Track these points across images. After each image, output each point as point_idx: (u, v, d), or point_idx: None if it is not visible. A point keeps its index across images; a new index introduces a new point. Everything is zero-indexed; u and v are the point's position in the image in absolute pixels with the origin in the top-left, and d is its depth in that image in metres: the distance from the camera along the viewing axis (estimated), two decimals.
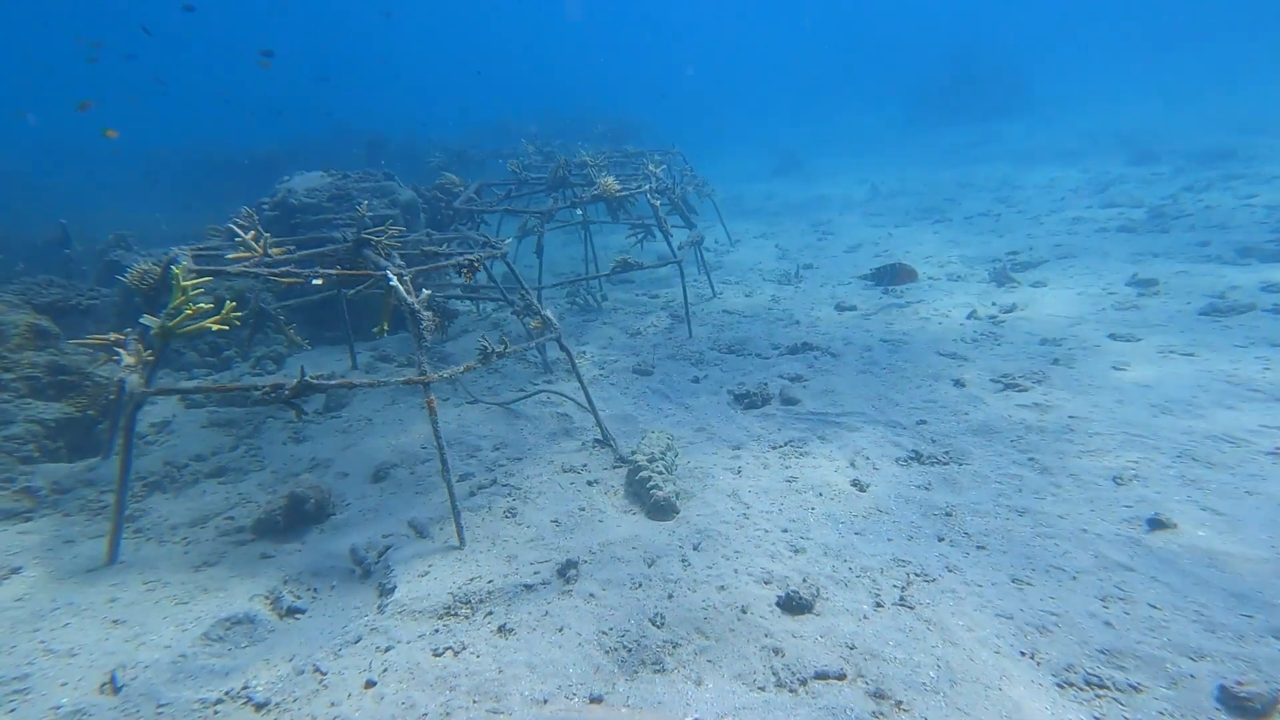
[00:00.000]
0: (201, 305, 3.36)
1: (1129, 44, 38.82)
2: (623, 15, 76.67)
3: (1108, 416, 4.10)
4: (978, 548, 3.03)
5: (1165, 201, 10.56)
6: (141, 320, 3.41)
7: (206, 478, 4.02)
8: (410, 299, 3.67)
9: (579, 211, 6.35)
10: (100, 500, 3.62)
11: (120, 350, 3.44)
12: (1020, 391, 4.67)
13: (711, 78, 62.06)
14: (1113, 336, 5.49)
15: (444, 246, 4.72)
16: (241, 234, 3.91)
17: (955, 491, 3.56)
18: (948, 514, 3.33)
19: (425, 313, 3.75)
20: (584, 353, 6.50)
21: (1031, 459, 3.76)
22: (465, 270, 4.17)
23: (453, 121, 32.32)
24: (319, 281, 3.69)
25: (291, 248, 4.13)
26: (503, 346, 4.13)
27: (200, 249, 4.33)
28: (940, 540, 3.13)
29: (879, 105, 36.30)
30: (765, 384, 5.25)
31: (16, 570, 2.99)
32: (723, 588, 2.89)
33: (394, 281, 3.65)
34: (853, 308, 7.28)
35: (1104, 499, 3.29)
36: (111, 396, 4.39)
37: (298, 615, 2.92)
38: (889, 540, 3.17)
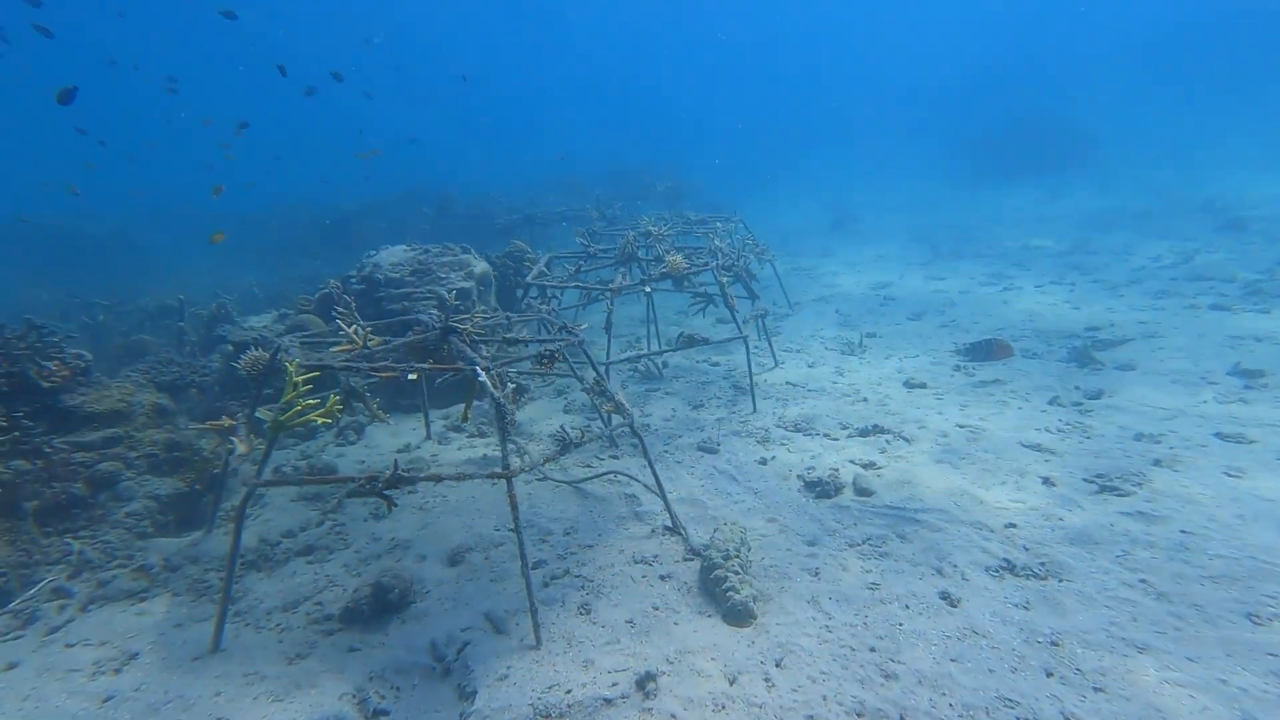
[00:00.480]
0: (311, 403, 3.58)
1: (1207, 96, 37.51)
2: (671, 63, 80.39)
3: (1228, 535, 3.78)
4: (1095, 690, 2.80)
5: (1262, 277, 9.93)
6: (256, 414, 3.66)
7: (296, 556, 4.20)
8: (497, 394, 3.82)
9: (647, 289, 6.48)
10: (205, 579, 3.82)
11: (234, 440, 3.70)
12: (1120, 496, 4.38)
13: (761, 124, 63.68)
14: (1220, 436, 5.10)
15: (522, 331, 4.91)
16: (345, 326, 4.20)
17: (1059, 614, 3.32)
18: (1054, 643, 3.11)
19: (510, 406, 3.89)
20: (648, 425, 6.54)
21: (1143, 580, 3.49)
22: (545, 361, 4.32)
23: (515, 174, 34.11)
24: (414, 377, 3.89)
25: (387, 338, 4.37)
26: (579, 435, 4.22)
27: (304, 337, 4.64)
28: (1049, 676, 2.91)
29: (936, 159, 36.10)
30: (836, 470, 5.13)
31: (134, 656, 3.17)
32: (811, 718, 2.77)
33: (483, 378, 3.82)
34: (923, 385, 7.08)
35: (1241, 642, 2.99)
36: (216, 470, 4.69)
37: (382, 718, 2.96)
38: (990, 672, 2.97)
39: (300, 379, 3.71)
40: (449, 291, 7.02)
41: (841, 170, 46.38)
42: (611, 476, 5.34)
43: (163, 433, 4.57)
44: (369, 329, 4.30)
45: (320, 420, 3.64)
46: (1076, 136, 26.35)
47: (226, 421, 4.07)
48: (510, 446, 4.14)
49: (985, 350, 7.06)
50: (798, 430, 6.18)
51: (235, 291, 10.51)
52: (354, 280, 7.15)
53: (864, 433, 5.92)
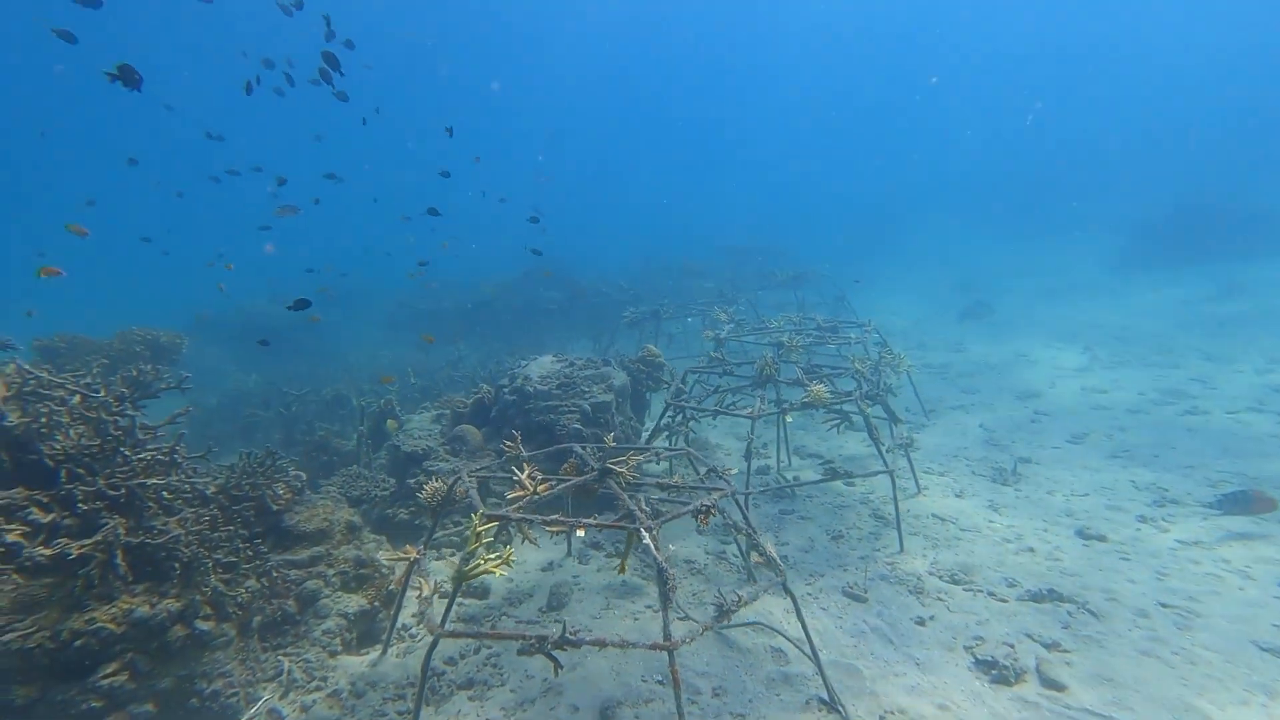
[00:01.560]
0: (491, 558, 3.84)
1: None
2: (772, 132, 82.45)
3: None
4: None
5: None
6: (431, 568, 3.98)
7: (459, 689, 4.40)
8: (659, 558, 3.88)
9: (789, 419, 6.41)
10: (384, 712, 4.10)
11: (421, 581, 4.04)
12: None
13: (875, 189, 62.79)
14: None
15: (677, 477, 5.00)
16: (518, 472, 4.53)
17: None
18: None
19: (670, 570, 3.93)
20: (785, 557, 6.30)
21: None
22: (702, 516, 4.35)
23: (628, 252, 35.84)
24: (581, 532, 4.09)
25: (553, 481, 4.63)
26: (738, 600, 4.15)
27: (477, 470, 5.03)
28: None
29: (1087, 237, 33.43)
30: (1011, 646, 4.61)
31: None
32: None
33: (647, 540, 3.91)
34: (1102, 538, 6.27)
35: None
36: (393, 588, 5.10)
37: None
38: None
39: (482, 528, 4.01)
40: (590, 405, 7.38)
41: (967, 242, 44.20)
42: (757, 625, 5.15)
43: (353, 549, 5.08)
44: (541, 476, 4.59)
45: (499, 572, 3.89)
46: (1262, 218, 23.25)
47: (411, 552, 4.47)
48: (673, 614, 4.16)
49: (1242, 502, 6.11)
50: (955, 582, 5.67)
51: (394, 374, 11.76)
52: (506, 390, 7.74)
53: (1037, 597, 5.30)
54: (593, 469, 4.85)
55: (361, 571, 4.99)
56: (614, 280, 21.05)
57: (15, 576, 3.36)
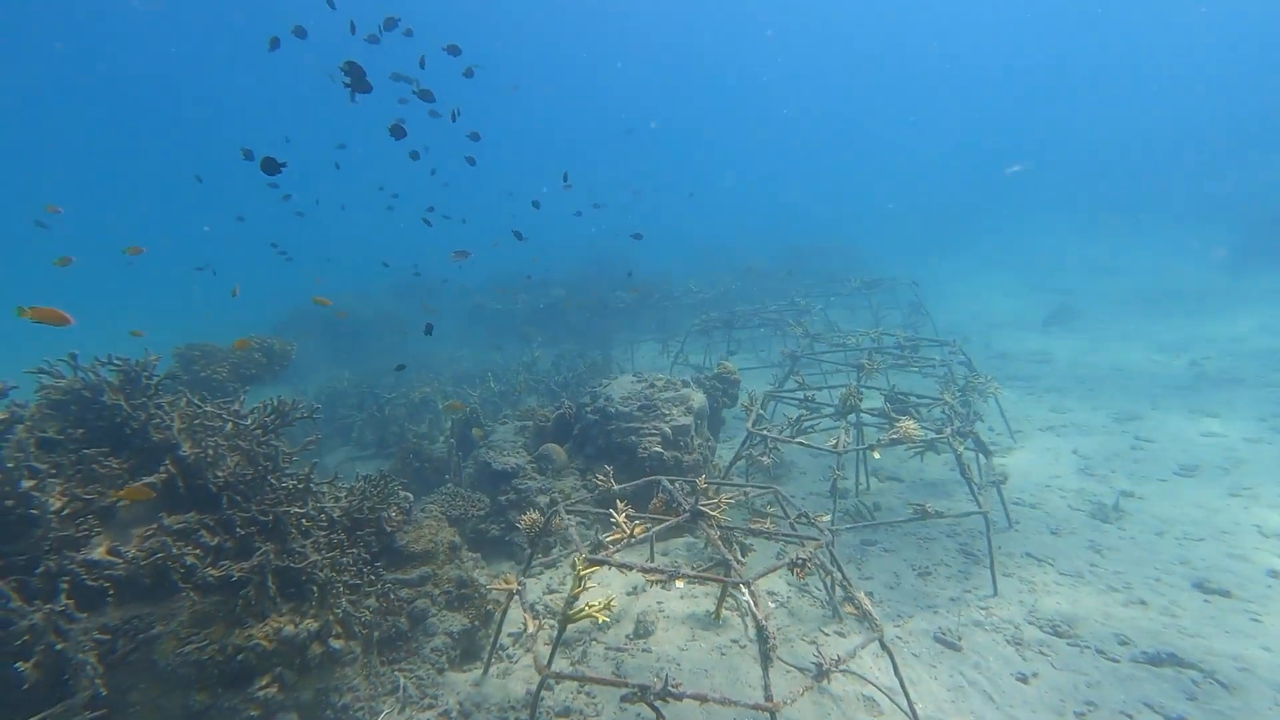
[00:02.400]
0: (594, 604, 4.00)
1: None
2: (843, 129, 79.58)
3: None
4: None
5: None
6: (529, 611, 4.17)
7: (556, 717, 4.61)
8: (759, 615, 3.92)
9: (876, 455, 6.28)
10: None
11: (526, 618, 4.25)
12: None
13: (945, 183, 59.69)
14: None
15: (769, 521, 5.02)
16: (615, 513, 4.67)
17: None
18: None
19: (772, 629, 3.96)
20: (871, 594, 6.21)
21: None
22: (798, 570, 4.36)
23: (690, 248, 35.62)
24: (680, 583, 4.19)
25: (648, 523, 4.73)
26: (837, 660, 4.14)
27: (572, 504, 5.21)
28: None
29: (1185, 231, 30.74)
30: (1129, 717, 4.39)
31: None
32: None
33: (746, 597, 3.96)
34: (1225, 593, 5.84)
35: None
36: (489, 608, 5.39)
37: None
38: None
39: (585, 572, 4.16)
40: (670, 428, 7.47)
41: (1046, 236, 41.46)
42: (849, 673, 5.13)
43: (455, 568, 5.40)
44: (634, 514, 4.72)
45: (601, 618, 4.04)
46: None
47: (512, 582, 4.71)
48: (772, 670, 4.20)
49: None
50: (1057, 634, 5.43)
51: (472, 374, 12.28)
52: (588, 409, 7.94)
53: (1154, 660, 5.02)
54: (684, 509, 4.93)
55: (463, 591, 5.29)
56: (682, 282, 21.04)
57: (192, 594, 3.78)
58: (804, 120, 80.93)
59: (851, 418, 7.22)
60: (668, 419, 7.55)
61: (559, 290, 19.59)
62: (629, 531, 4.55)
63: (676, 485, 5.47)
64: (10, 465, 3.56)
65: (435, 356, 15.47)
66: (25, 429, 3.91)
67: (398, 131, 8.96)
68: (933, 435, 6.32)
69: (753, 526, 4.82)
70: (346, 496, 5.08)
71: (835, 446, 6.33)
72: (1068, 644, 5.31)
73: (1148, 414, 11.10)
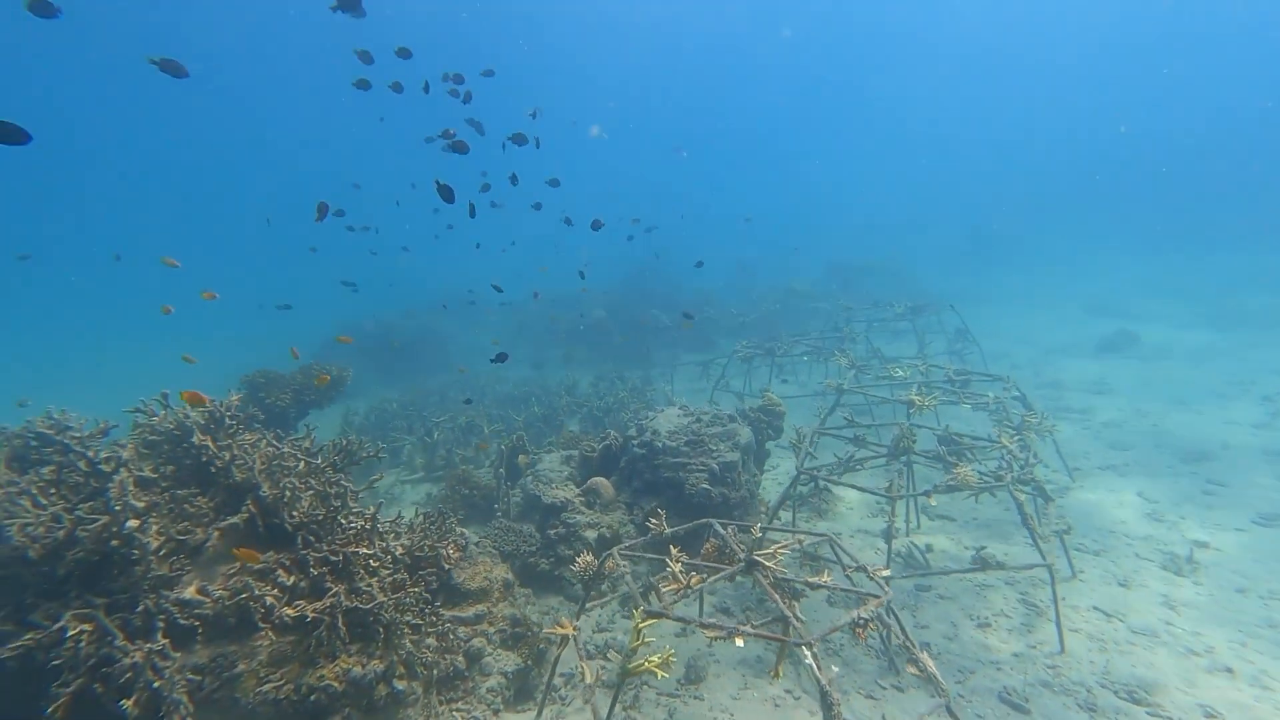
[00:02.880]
0: (652, 659, 4.01)
1: None
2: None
3: None
4: None
5: None
6: (586, 657, 4.20)
7: None
8: (822, 679, 3.87)
9: (932, 502, 6.13)
10: None
11: (584, 667, 4.29)
12: None
13: (990, 195, 58.11)
14: None
15: (826, 574, 4.96)
16: (672, 564, 4.69)
17: None
18: None
19: (835, 695, 3.91)
20: (928, 645, 6.04)
21: None
22: (860, 630, 4.29)
23: (729, 262, 35.51)
24: (740, 642, 4.16)
25: (704, 573, 4.73)
26: None
27: (625, 548, 5.25)
28: None
29: (1262, 252, 29.22)
30: None
31: None
32: None
33: (809, 660, 3.92)
34: None
35: None
36: (542, 647, 5.44)
37: None
38: None
39: (643, 625, 4.18)
40: (718, 465, 7.45)
41: (1097, 253, 39.93)
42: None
43: (508, 606, 5.49)
44: (687, 561, 4.72)
45: (661, 674, 4.05)
46: None
47: (568, 628, 4.75)
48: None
49: None
50: (1135, 701, 5.18)
51: (516, 394, 12.50)
52: (635, 443, 7.99)
53: None
54: (739, 558, 4.91)
55: (517, 629, 5.37)
56: (723, 303, 21.04)
57: (270, 633, 3.95)
58: (848, 132, 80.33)
59: (903, 458, 7.08)
60: (715, 455, 7.53)
61: (600, 311, 19.80)
62: (685, 583, 4.56)
63: (729, 530, 5.45)
64: (118, 508, 3.80)
65: (478, 375, 15.80)
66: (126, 470, 4.17)
67: (446, 193, 9.44)
68: (992, 482, 6.14)
69: (809, 581, 4.76)
70: (408, 534, 5.24)
71: (889, 491, 6.21)
72: (1148, 713, 5.06)
73: (1218, 454, 10.53)
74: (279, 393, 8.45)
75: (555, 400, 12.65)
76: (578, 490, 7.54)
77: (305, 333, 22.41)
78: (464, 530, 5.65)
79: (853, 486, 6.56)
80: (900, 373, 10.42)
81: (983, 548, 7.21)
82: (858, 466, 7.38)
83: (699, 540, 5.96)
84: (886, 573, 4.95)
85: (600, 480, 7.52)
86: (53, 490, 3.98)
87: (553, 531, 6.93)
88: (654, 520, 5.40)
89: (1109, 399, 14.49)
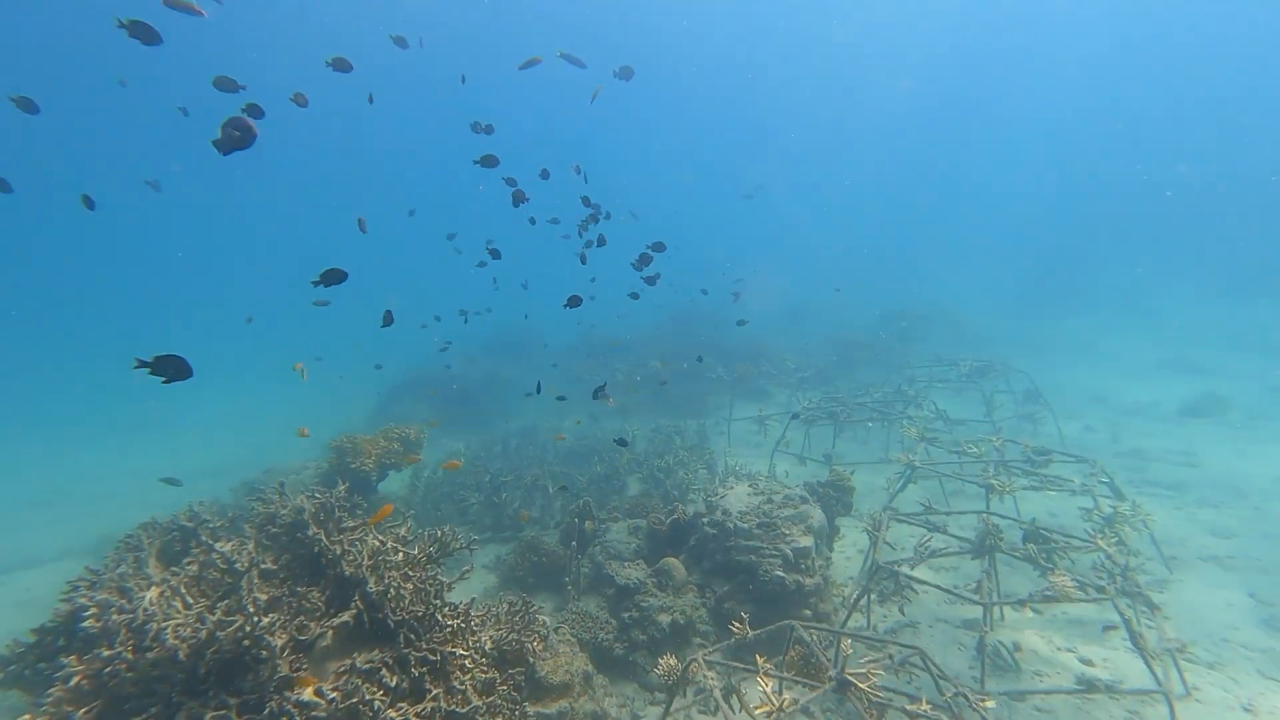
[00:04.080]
0: None
1: None
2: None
3: None
4: None
5: None
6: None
7: None
8: None
9: (1030, 612, 5.88)
10: None
11: None
12: None
13: (1052, 229, 55.96)
14: None
15: (924, 703, 4.80)
16: (763, 684, 4.64)
17: None
18: None
19: None
20: None
21: None
22: None
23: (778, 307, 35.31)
24: None
25: (794, 698, 4.66)
26: None
27: (709, 654, 5.23)
28: None
29: None
30: None
31: None
32: None
33: None
34: None
35: None
36: None
37: None
38: None
39: None
40: (792, 550, 7.36)
41: (1172, 296, 37.73)
42: None
43: (589, 701, 5.52)
44: (776, 672, 4.67)
45: None
46: None
47: None
48: None
49: None
50: None
51: (573, 450, 12.68)
52: (705, 522, 7.98)
53: None
54: (829, 675, 4.82)
55: None
56: (776, 353, 20.94)
57: None
58: (898, 169, 79.65)
59: (990, 555, 6.81)
60: (788, 540, 7.45)
61: (655, 362, 20.02)
62: (778, 705, 4.51)
63: (815, 637, 5.37)
64: (250, 609, 4.09)
65: (539, 430, 16.14)
66: (255, 570, 4.48)
67: (495, 254, 9.98)
68: (1094, 594, 5.83)
69: (909, 710, 4.62)
70: (494, 626, 5.38)
71: (979, 595, 5.99)
72: None
73: None
74: (362, 459, 8.89)
75: (616, 457, 12.77)
76: (649, 570, 7.57)
77: (376, 380, 23.44)
78: (546, 619, 5.75)
79: (937, 587, 6.35)
80: (974, 449, 10.09)
81: (1087, 664, 6.81)
82: (937, 556, 7.15)
83: (780, 640, 5.89)
84: (991, 704, 4.75)
85: (672, 561, 7.53)
86: (196, 587, 4.32)
87: (626, 615, 6.96)
88: (736, 624, 5.37)
89: (1200, 473, 13.55)
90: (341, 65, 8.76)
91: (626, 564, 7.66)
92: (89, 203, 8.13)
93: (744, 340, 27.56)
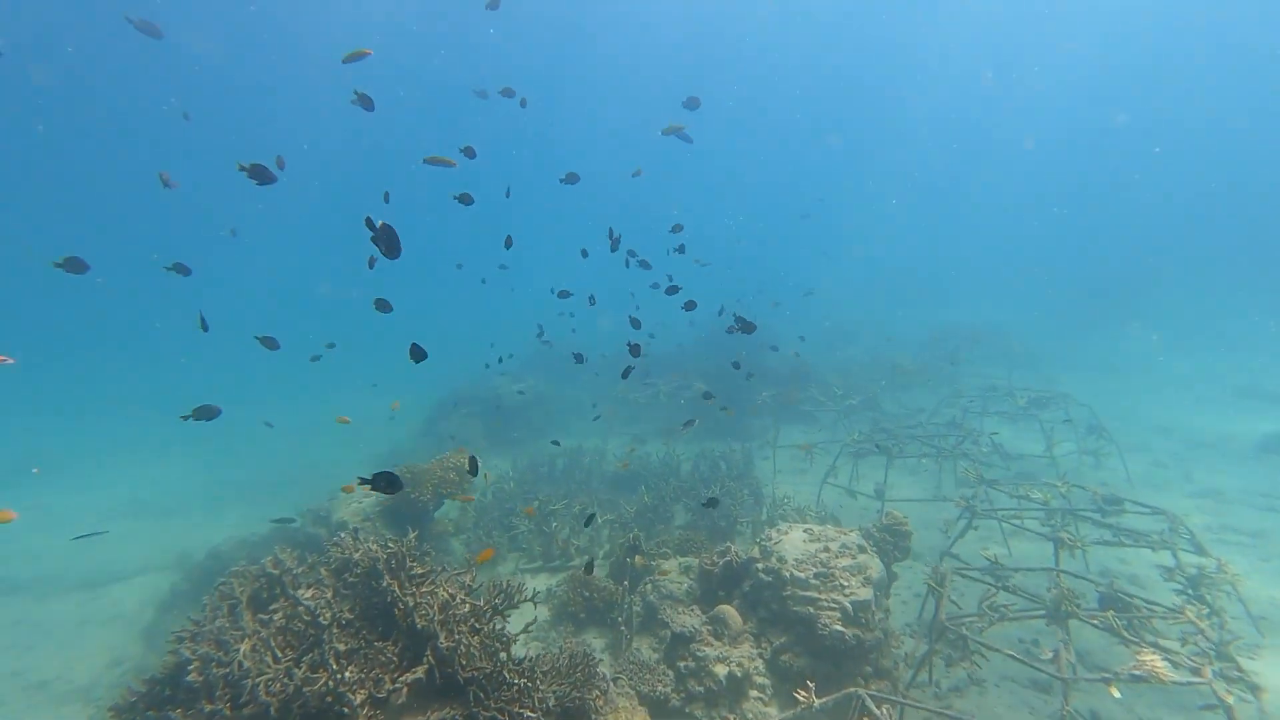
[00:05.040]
0: None
1: None
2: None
3: None
4: None
5: None
6: None
7: None
8: None
9: (1115, 693, 5.59)
10: None
11: None
12: None
13: (1111, 241, 53.41)
14: None
15: None
16: None
17: None
18: None
19: None
20: None
21: None
22: None
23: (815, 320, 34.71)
24: None
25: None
26: None
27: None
28: None
29: None
30: None
31: None
32: None
33: None
34: None
35: None
36: None
37: None
38: None
39: None
40: (851, 604, 7.20)
41: (1245, 314, 35.42)
42: None
43: None
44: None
45: None
46: None
47: None
48: None
49: None
50: None
51: (619, 476, 12.72)
52: (759, 568, 7.88)
53: None
54: None
55: None
56: (820, 375, 20.62)
57: None
58: (944, 181, 77.63)
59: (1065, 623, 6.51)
60: (846, 591, 7.28)
61: (699, 383, 19.95)
62: None
63: (883, 710, 5.23)
64: (334, 666, 4.23)
65: (584, 451, 16.25)
66: (336, 624, 4.64)
67: (564, 292, 10.06)
68: (1189, 677, 5.50)
69: None
70: (556, 680, 5.42)
71: (1057, 667, 5.72)
72: None
73: None
74: (421, 488, 9.13)
75: (662, 486, 12.76)
76: (704, 617, 7.52)
77: (421, 397, 24.03)
78: (605, 673, 5.77)
79: (1010, 655, 6.10)
80: (1038, 494, 9.68)
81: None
82: (1006, 620, 6.87)
83: (845, 709, 5.75)
84: None
85: (728, 610, 7.46)
86: (283, 637, 4.50)
87: (682, 664, 6.92)
88: (801, 693, 5.28)
89: None
90: (365, 102, 8.94)
91: (681, 609, 7.63)
92: (182, 269, 8.38)
93: (783, 358, 27.17)
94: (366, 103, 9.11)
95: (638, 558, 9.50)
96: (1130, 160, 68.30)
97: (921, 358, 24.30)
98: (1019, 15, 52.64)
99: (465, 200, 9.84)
